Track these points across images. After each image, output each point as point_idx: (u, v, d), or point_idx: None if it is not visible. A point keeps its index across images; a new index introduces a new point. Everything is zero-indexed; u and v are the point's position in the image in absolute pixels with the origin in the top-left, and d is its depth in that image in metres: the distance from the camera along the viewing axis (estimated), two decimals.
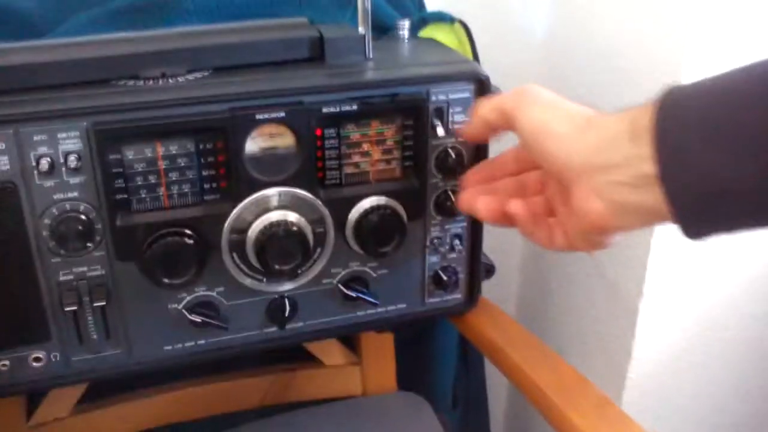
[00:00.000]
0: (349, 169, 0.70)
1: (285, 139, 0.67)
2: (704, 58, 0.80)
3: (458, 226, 0.76)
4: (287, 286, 0.73)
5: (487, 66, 0.96)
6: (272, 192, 0.67)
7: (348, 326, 0.78)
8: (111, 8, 0.78)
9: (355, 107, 0.67)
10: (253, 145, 0.66)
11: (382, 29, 0.82)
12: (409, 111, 0.70)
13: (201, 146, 0.65)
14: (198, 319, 0.71)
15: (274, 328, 0.75)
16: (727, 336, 0.98)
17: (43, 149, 0.62)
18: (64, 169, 0.63)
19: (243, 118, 0.65)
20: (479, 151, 0.73)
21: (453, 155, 0.72)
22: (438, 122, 0.70)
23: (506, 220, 0.61)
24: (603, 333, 0.99)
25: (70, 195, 0.64)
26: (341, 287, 0.75)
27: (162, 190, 0.66)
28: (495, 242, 0.87)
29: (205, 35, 0.70)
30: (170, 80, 0.66)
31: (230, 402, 0.94)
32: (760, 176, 0.43)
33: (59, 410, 0.88)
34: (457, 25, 0.84)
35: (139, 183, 0.65)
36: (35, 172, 0.62)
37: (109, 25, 0.77)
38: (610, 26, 0.91)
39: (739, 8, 0.78)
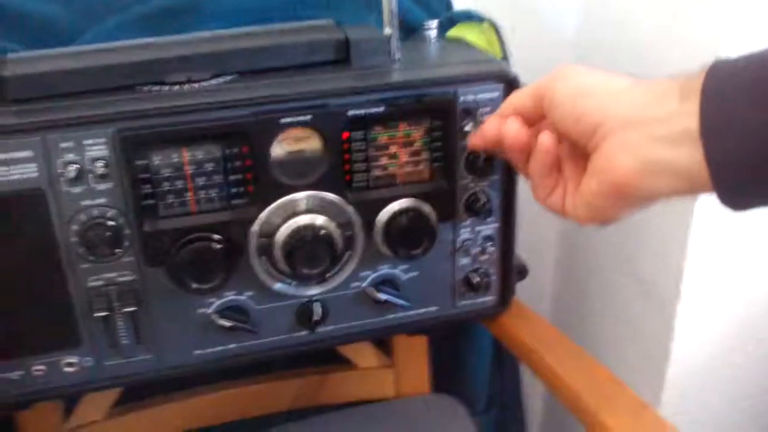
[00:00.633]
0: (376, 172, 0.70)
1: (311, 143, 0.66)
2: (738, 53, 0.77)
3: (489, 228, 0.75)
4: (316, 290, 0.72)
5: (518, 65, 0.94)
6: (300, 196, 0.67)
7: (379, 330, 0.77)
8: (135, 13, 0.78)
9: (381, 109, 0.66)
10: (279, 149, 0.66)
11: (410, 30, 0.81)
12: (437, 112, 0.69)
13: (227, 151, 0.65)
14: (228, 323, 0.71)
15: (304, 332, 0.74)
16: (764, 335, 0.95)
17: (70, 156, 0.62)
18: (91, 175, 0.63)
19: (268, 122, 0.64)
20: None
21: (483, 156, 0.71)
22: (467, 123, 0.69)
23: (524, 152, 0.59)
24: (640, 334, 0.97)
25: (97, 201, 0.64)
26: (371, 290, 0.74)
27: (189, 195, 0.66)
28: (528, 243, 0.86)
29: (230, 39, 0.70)
30: (195, 85, 0.66)
31: (263, 405, 0.94)
32: None
33: (95, 414, 0.89)
34: (485, 25, 0.83)
35: (166, 188, 0.65)
36: (62, 179, 0.62)
37: (133, 30, 0.78)
38: (640, 23, 0.89)
39: None
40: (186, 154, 0.65)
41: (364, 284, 0.74)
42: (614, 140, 0.48)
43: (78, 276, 0.66)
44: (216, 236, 0.66)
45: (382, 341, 0.95)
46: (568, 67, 0.55)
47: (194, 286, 0.67)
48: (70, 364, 0.70)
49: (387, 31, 0.70)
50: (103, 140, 0.62)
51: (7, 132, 0.60)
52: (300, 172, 0.67)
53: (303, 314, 0.73)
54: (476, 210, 0.73)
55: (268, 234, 0.67)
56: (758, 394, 1.01)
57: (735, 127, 0.43)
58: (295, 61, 0.69)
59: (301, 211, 0.67)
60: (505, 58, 0.85)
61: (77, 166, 0.62)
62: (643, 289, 0.94)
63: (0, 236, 0.63)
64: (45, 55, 0.66)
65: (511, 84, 0.69)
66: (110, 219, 0.64)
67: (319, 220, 0.67)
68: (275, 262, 0.68)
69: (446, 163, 0.70)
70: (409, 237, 0.70)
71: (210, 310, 0.70)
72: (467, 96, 0.69)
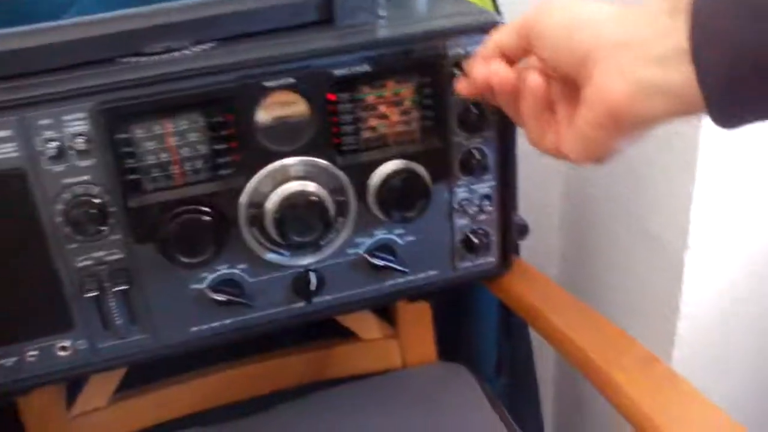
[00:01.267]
0: (366, 134, 0.68)
1: (297, 107, 0.64)
2: None
3: (486, 186, 0.73)
4: (311, 259, 0.70)
5: (511, 17, 0.92)
6: (288, 162, 0.65)
7: (378, 297, 0.75)
8: None
9: (367, 68, 0.64)
10: (264, 114, 0.64)
11: None
12: (426, 68, 0.66)
13: (210, 119, 0.63)
14: (222, 297, 0.69)
15: (301, 303, 0.73)
16: None
17: (49, 133, 0.60)
18: (72, 152, 0.61)
19: (250, 86, 0.62)
20: None
21: (475, 111, 0.69)
22: (458, 77, 0.67)
23: (513, 94, 0.57)
24: (649, 290, 0.94)
25: (81, 179, 0.62)
26: (367, 257, 0.72)
27: (174, 168, 0.64)
28: (533, 202, 0.84)
29: (209, 5, 0.67)
30: (175, 54, 0.64)
31: (268, 383, 0.93)
32: None
33: (98, 400, 0.88)
34: None
35: (150, 161, 0.63)
36: (43, 157, 0.60)
37: (119, 4, 0.76)
38: None
39: None
40: (168, 125, 0.63)
41: (361, 251, 0.72)
42: (605, 65, 0.47)
43: (66, 257, 0.64)
44: (204, 208, 0.64)
45: (385, 311, 0.93)
46: (551, 2, 0.52)
47: (185, 260, 0.65)
48: (63, 348, 0.68)
49: None
50: (82, 115, 0.60)
51: None
52: (287, 138, 0.65)
53: (299, 285, 0.71)
54: (471, 168, 0.71)
55: (258, 203, 0.66)
56: None
57: (724, 40, 0.41)
58: (277, 24, 0.67)
59: (290, 178, 0.65)
60: (496, 10, 0.83)
61: (57, 143, 0.60)
62: (650, 245, 0.92)
63: None
64: (19, 31, 0.64)
65: None
66: (95, 196, 0.63)
67: (309, 186, 0.65)
68: (267, 232, 0.66)
69: (438, 121, 0.68)
70: (403, 199, 0.68)
71: (203, 285, 0.69)
72: (456, 49, 0.66)
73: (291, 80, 0.63)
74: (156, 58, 0.64)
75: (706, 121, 0.45)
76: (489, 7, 0.83)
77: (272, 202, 0.65)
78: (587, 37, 0.48)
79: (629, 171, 0.92)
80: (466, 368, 0.93)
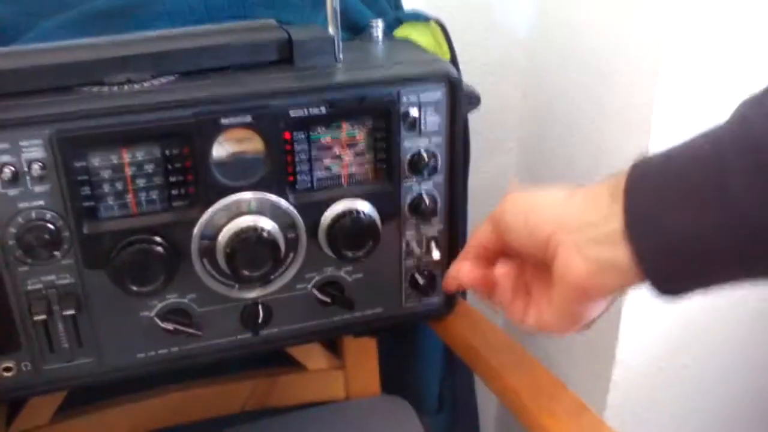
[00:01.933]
0: (320, 173, 0.70)
1: (253, 144, 0.66)
2: (680, 62, 0.79)
3: (434, 229, 0.75)
4: (260, 292, 0.72)
5: (469, 64, 0.95)
6: (242, 197, 0.67)
7: (324, 331, 0.77)
8: (82, 12, 0.77)
9: (323, 110, 0.66)
10: (220, 149, 0.66)
11: (357, 29, 0.81)
12: (380, 113, 0.69)
13: (167, 152, 0.65)
14: (170, 326, 0.70)
15: (248, 334, 0.74)
16: (709, 337, 0.97)
17: (5, 158, 0.61)
18: (28, 177, 0.62)
19: (208, 122, 0.64)
20: (454, 153, 0.72)
21: (426, 157, 0.71)
22: (410, 124, 0.70)
23: (487, 287, 0.61)
24: (587, 335, 0.97)
25: (35, 203, 0.63)
26: (315, 292, 0.74)
27: (129, 197, 0.65)
28: None
29: (171, 39, 0.69)
30: (135, 85, 0.66)
31: (212, 407, 0.94)
32: (715, 236, 0.44)
33: (39, 418, 0.87)
34: (433, 24, 0.83)
35: (106, 190, 0.65)
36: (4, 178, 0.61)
37: (80, 29, 0.76)
38: (590, 27, 0.90)
39: (714, 17, 0.77)
40: (126, 155, 0.64)
41: (309, 286, 0.73)
42: (566, 246, 0.52)
43: (16, 279, 0.65)
44: (157, 238, 0.66)
45: (331, 342, 0.95)
46: (512, 194, 0.59)
47: (135, 288, 0.66)
48: (7, 369, 0.68)
49: (331, 30, 0.70)
50: (39, 142, 0.61)
51: None
52: (242, 174, 0.66)
53: (247, 316, 0.73)
54: (420, 211, 0.73)
55: (211, 236, 0.67)
56: (703, 395, 1.02)
57: (653, 226, 0.46)
58: (237, 61, 0.69)
59: (243, 213, 0.67)
60: (452, 58, 0.85)
61: (13, 168, 0.61)
62: None
63: None
64: None
65: (453, 85, 0.70)
66: (49, 221, 0.64)
67: (262, 221, 0.67)
68: (218, 264, 0.68)
69: (389, 164, 0.71)
70: (352, 238, 0.70)
71: (152, 313, 0.70)
72: (410, 96, 0.69)
73: (248, 118, 0.64)
74: (116, 88, 0.65)
75: None
76: (444, 51, 0.85)
77: (224, 235, 0.66)
78: (546, 221, 0.54)
79: None
80: (407, 402, 0.95)
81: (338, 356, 0.95)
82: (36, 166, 0.61)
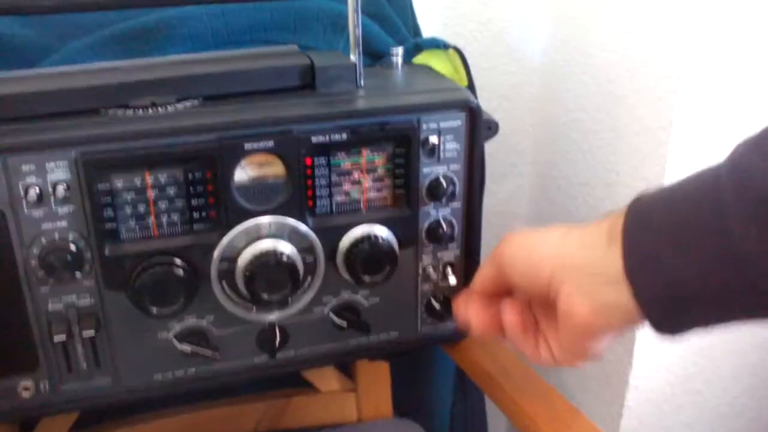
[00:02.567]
0: (339, 198, 0.70)
1: (274, 168, 0.67)
2: (697, 85, 0.79)
3: (451, 254, 0.76)
4: (278, 315, 0.72)
5: (486, 89, 0.96)
6: (262, 221, 0.67)
7: (340, 355, 0.77)
8: (105, 35, 0.78)
9: (344, 136, 0.67)
10: (242, 174, 0.66)
11: (377, 55, 0.82)
12: (400, 140, 0.69)
13: (190, 175, 0.65)
14: (187, 348, 0.70)
15: (264, 357, 0.74)
16: (722, 363, 0.97)
17: (31, 179, 0.62)
18: (52, 198, 0.62)
19: (231, 147, 0.64)
20: (472, 179, 0.73)
21: (444, 183, 0.72)
22: (429, 151, 0.70)
23: (496, 329, 0.62)
24: (601, 361, 0.98)
25: (59, 224, 0.64)
26: (332, 316, 0.74)
27: (151, 219, 0.66)
28: None
29: (195, 64, 0.70)
30: (160, 109, 0.66)
31: (224, 428, 0.94)
32: (715, 280, 0.45)
33: None
34: (451, 52, 0.84)
35: (128, 212, 0.65)
36: (24, 201, 0.62)
37: (103, 52, 0.77)
38: (605, 51, 0.90)
39: (732, 39, 0.78)
40: (148, 178, 0.65)
41: (326, 309, 0.74)
42: (569, 285, 0.53)
43: (37, 299, 0.66)
44: (177, 260, 0.66)
45: (344, 365, 0.95)
46: (511, 234, 0.60)
47: (154, 310, 0.66)
48: (26, 388, 0.69)
49: (352, 58, 0.71)
50: (65, 163, 0.62)
51: None
52: (263, 198, 0.67)
53: (264, 339, 0.73)
54: (438, 237, 0.73)
55: (230, 259, 0.67)
56: (718, 421, 1.02)
57: (653, 268, 0.47)
58: (260, 86, 0.70)
59: (263, 236, 0.68)
60: (470, 85, 0.86)
61: (38, 189, 0.62)
62: None
63: None
64: (8, 77, 0.66)
65: (473, 112, 0.70)
66: (71, 242, 0.64)
67: (281, 245, 0.68)
68: (236, 287, 0.68)
69: (408, 190, 0.71)
70: (370, 263, 0.70)
71: (170, 335, 0.70)
72: (429, 124, 0.69)
73: (270, 143, 0.65)
74: (141, 112, 0.66)
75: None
76: (462, 78, 0.86)
77: (244, 259, 0.67)
78: (544, 262, 0.55)
79: None
80: (419, 425, 0.94)
81: (351, 378, 0.95)
82: (60, 188, 0.62)
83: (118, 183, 0.64)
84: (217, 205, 0.66)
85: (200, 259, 0.67)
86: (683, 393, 0.98)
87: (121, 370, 0.71)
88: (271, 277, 0.67)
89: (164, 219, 0.66)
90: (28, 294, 0.65)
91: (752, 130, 0.46)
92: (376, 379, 0.94)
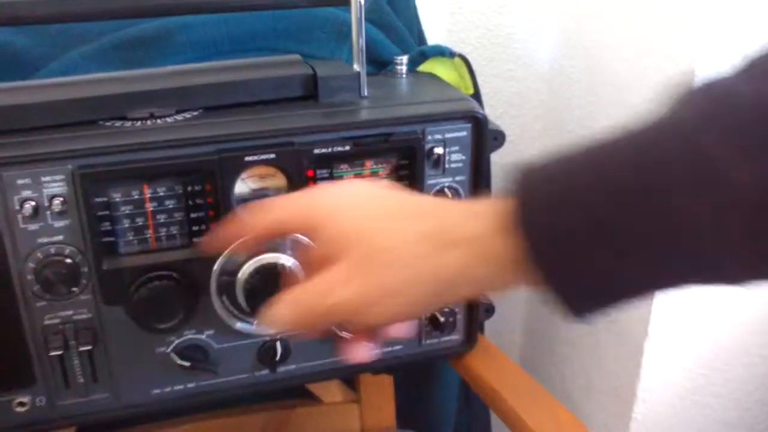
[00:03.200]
0: None
1: (276, 180, 0.66)
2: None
3: None
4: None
5: (492, 97, 0.94)
6: None
7: (342, 369, 0.76)
8: (105, 44, 0.77)
9: (348, 148, 0.66)
10: (243, 186, 0.65)
11: (381, 64, 0.80)
12: (404, 151, 0.68)
13: (189, 188, 0.64)
14: (186, 363, 0.69)
15: (265, 371, 0.73)
16: (732, 375, 0.95)
17: (27, 193, 0.60)
18: (48, 212, 0.61)
19: (231, 159, 0.63)
20: (477, 190, 0.71)
21: (449, 195, 0.70)
22: (434, 162, 0.69)
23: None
24: (609, 373, 0.96)
25: (55, 238, 0.62)
26: (335, 329, 0.73)
27: (150, 233, 0.65)
28: None
29: (195, 74, 0.69)
30: (159, 120, 0.65)
31: None
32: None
33: None
34: (457, 60, 0.82)
35: (126, 225, 0.64)
36: (19, 215, 0.61)
37: (102, 60, 0.76)
38: (614, 57, 0.89)
39: (743, 48, 0.76)
40: (147, 191, 0.63)
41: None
42: None
43: (33, 314, 0.64)
44: (176, 275, 0.65)
45: (347, 377, 0.94)
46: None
47: (153, 325, 0.65)
48: (21, 404, 0.68)
49: (355, 67, 0.70)
50: (61, 177, 0.61)
51: None
52: None
53: (265, 353, 0.72)
54: None
55: (230, 272, 0.66)
56: None
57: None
58: (261, 96, 0.68)
59: (264, 250, 0.66)
60: (476, 92, 0.85)
61: (34, 203, 0.60)
62: (612, 329, 0.94)
63: None
64: (3, 87, 0.65)
65: (479, 123, 0.69)
66: (68, 256, 0.63)
67: (282, 258, 0.66)
68: (237, 301, 0.67)
69: None
70: None
71: (169, 349, 0.69)
72: (434, 134, 0.68)
73: (272, 156, 0.64)
74: (139, 123, 0.65)
75: None
76: (468, 86, 0.85)
77: (245, 272, 0.65)
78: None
79: None
80: None
81: (354, 390, 0.94)
82: (57, 201, 0.61)
83: (116, 196, 0.63)
84: (217, 218, 0.65)
85: (200, 273, 0.65)
86: (692, 405, 0.96)
87: (120, 384, 0.69)
88: (273, 290, 0.65)
89: (163, 232, 0.65)
90: (24, 308, 0.64)
91: None
92: (380, 391, 0.93)
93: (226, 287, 0.67)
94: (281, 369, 0.73)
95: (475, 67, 0.84)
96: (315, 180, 0.67)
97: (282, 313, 0.52)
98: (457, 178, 0.70)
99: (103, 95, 0.65)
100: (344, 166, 0.67)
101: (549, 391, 0.75)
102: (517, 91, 1.03)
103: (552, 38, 1.01)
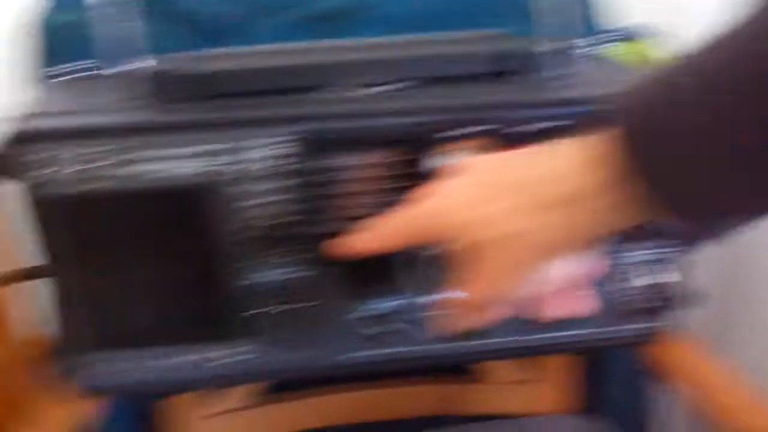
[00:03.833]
0: None
1: (473, 155, 0.64)
2: None
3: (666, 252, 0.71)
4: None
5: None
6: None
7: (535, 347, 0.74)
8: (301, 14, 0.78)
9: (551, 125, 0.64)
10: (441, 160, 0.64)
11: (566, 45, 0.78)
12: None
13: (400, 158, 0.64)
14: (381, 329, 0.70)
15: (455, 344, 0.72)
16: None
17: (251, 153, 0.62)
18: (269, 173, 0.63)
19: (436, 132, 0.63)
20: None
21: None
22: None
23: None
24: None
25: (272, 199, 0.64)
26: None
27: (359, 200, 0.65)
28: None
29: (406, 46, 0.69)
30: (372, 90, 0.65)
31: (397, 409, 0.94)
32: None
33: (232, 402, 0.90)
34: (640, 42, 0.79)
35: (337, 191, 0.65)
36: (241, 175, 0.62)
37: (298, 31, 0.78)
38: None
39: None
40: (360, 159, 0.64)
41: None
42: None
43: (241, 271, 0.66)
44: None
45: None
46: None
47: (357, 290, 0.67)
48: (224, 356, 0.70)
49: (556, 45, 0.68)
50: (284, 140, 0.62)
51: (193, 126, 0.61)
52: None
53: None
54: (660, 232, 0.69)
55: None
56: None
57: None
58: (468, 70, 0.68)
59: None
60: None
61: (259, 164, 0.62)
62: None
63: (171, 227, 0.64)
64: (232, 53, 0.67)
65: None
66: (281, 218, 0.64)
67: None
68: (436, 273, 0.67)
69: None
70: None
71: (365, 315, 0.70)
72: None
73: (475, 129, 0.63)
74: (359, 92, 0.65)
75: None
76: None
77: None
78: None
79: None
80: (607, 424, 0.90)
81: (532, 369, 0.92)
82: (278, 164, 0.62)
83: (331, 162, 0.64)
84: (414, 189, 0.65)
85: None
86: None
87: (316, 345, 0.71)
88: None
89: (371, 200, 0.65)
90: (233, 265, 0.66)
91: None
92: (560, 372, 0.92)
93: (431, 258, 0.67)
94: (471, 343, 0.72)
95: (660, 49, 0.80)
96: None
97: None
98: None
99: (317, 63, 0.66)
100: None
101: None
102: None
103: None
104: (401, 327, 0.71)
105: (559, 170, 0.47)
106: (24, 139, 0.60)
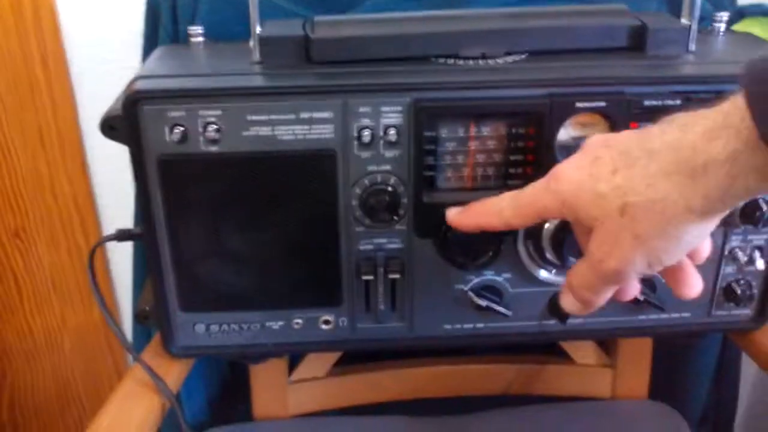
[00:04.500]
0: None
1: (598, 129, 0.64)
2: None
3: (762, 238, 0.71)
4: None
5: None
6: None
7: (628, 329, 0.74)
8: None
9: (678, 102, 0.64)
10: (564, 133, 0.64)
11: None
12: None
13: (513, 130, 0.64)
14: (483, 302, 0.70)
15: (552, 322, 0.73)
16: None
17: (366, 121, 0.63)
18: (381, 141, 0.63)
19: (561, 105, 0.63)
20: None
21: None
22: None
23: None
24: None
25: (383, 168, 0.65)
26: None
27: (468, 171, 0.66)
28: None
29: (524, 17, 0.69)
30: (489, 61, 0.66)
31: (476, 386, 0.94)
32: None
33: (317, 370, 0.91)
34: None
35: (448, 161, 0.65)
36: (355, 142, 0.63)
37: (404, 3, 0.78)
38: None
39: None
40: (472, 130, 0.64)
41: None
42: None
43: (351, 238, 0.67)
44: None
45: (605, 339, 0.92)
46: None
47: (460, 261, 0.67)
48: (326, 322, 0.71)
49: (684, 21, 0.67)
50: (398, 108, 0.63)
51: (310, 92, 0.62)
52: None
53: (556, 304, 0.71)
54: (754, 218, 0.69)
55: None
56: None
57: None
58: (588, 44, 0.68)
59: None
60: None
61: (371, 131, 0.63)
62: None
63: (289, 192, 0.65)
64: (347, 20, 0.68)
65: None
66: (391, 186, 0.65)
67: None
68: (541, 248, 0.67)
69: None
70: None
71: (467, 287, 0.70)
72: None
73: (602, 104, 0.63)
74: (471, 63, 0.66)
75: None
76: None
77: (553, 222, 0.65)
78: None
79: None
80: (678, 412, 0.91)
81: (609, 354, 0.92)
82: (391, 132, 0.63)
83: (444, 132, 0.64)
84: (535, 163, 0.65)
85: None
86: None
87: (415, 315, 0.72)
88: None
89: (480, 172, 0.66)
90: (344, 233, 0.67)
91: None
92: (636, 358, 0.92)
93: (533, 234, 0.67)
94: (570, 321, 0.72)
95: None
96: None
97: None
98: None
99: (438, 32, 0.66)
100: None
101: None
102: None
103: None
104: (509, 300, 0.71)
105: (691, 140, 0.47)
106: (136, 100, 0.61)
